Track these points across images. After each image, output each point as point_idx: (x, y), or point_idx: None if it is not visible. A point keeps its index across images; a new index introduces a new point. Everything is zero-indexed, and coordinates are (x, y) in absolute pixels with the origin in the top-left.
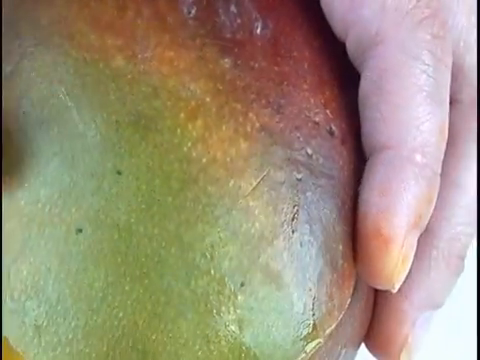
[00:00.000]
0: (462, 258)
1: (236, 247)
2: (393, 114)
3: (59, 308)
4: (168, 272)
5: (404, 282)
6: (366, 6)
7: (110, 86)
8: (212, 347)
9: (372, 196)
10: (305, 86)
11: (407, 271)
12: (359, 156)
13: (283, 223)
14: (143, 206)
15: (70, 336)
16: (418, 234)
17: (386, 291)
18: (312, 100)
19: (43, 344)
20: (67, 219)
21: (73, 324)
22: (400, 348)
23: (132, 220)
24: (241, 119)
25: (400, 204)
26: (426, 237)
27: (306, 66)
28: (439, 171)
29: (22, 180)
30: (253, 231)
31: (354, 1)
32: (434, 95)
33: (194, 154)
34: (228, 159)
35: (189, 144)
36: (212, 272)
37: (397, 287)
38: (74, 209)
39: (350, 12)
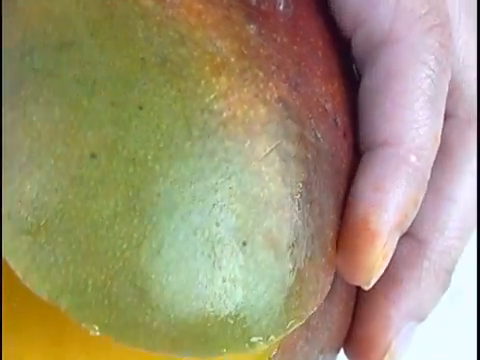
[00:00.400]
0: (450, 273)
1: (244, 206)
2: (396, 113)
3: (61, 228)
4: (178, 216)
5: (393, 288)
6: (381, 4)
7: (138, 23)
8: (206, 300)
9: (366, 190)
10: (318, 72)
11: (383, 270)
12: (354, 152)
13: (288, 196)
14: (161, 145)
15: (68, 258)
16: (399, 235)
17: (371, 296)
18: (323, 88)
19: (37, 261)
20: (81, 142)
21: (74, 247)
22: (383, 353)
23: (149, 157)
24: (262, 86)
25: (391, 202)
26: (419, 247)
27: (320, 54)
28: (428, 177)
29: (36, 95)
30: (261, 195)
31: (372, 10)
32: (434, 102)
33: (216, 107)
34: (247, 120)
35: (212, 96)
36: (219, 225)
37: (372, 283)
38: (90, 133)
39: (363, 9)
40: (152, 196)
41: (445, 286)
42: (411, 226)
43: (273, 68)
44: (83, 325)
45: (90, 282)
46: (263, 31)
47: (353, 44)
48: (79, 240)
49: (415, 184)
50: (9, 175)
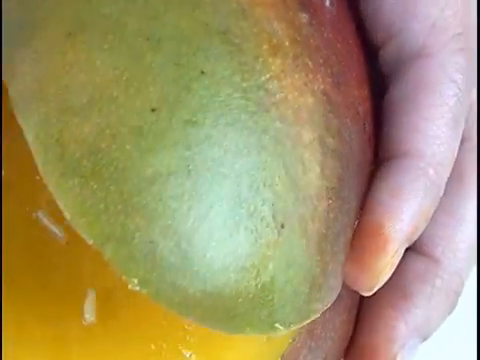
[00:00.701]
0: (458, 296)
1: (286, 190)
2: (421, 126)
3: (115, 177)
4: (228, 185)
5: (403, 301)
6: (417, 20)
7: None
8: (243, 275)
9: (384, 195)
10: (354, 75)
11: (386, 279)
12: (374, 159)
13: (324, 188)
14: (219, 112)
15: (119, 207)
16: (405, 247)
17: (379, 306)
18: (356, 91)
19: (88, 205)
20: (144, 94)
21: (125, 197)
22: None
23: (207, 121)
24: (311, 76)
25: (407, 211)
26: (432, 265)
27: (355, 57)
28: (441, 194)
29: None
30: (302, 183)
31: (406, 12)
32: (457, 120)
33: (270, 86)
34: (296, 105)
35: (267, 76)
36: (264, 204)
37: (374, 290)
38: (152, 88)
39: (399, 20)
40: (207, 160)
41: (452, 308)
42: (424, 244)
43: (321, 61)
44: (124, 277)
45: (137, 235)
46: (313, 22)
47: (382, 53)
48: (131, 192)
49: (430, 197)
50: (67, 115)
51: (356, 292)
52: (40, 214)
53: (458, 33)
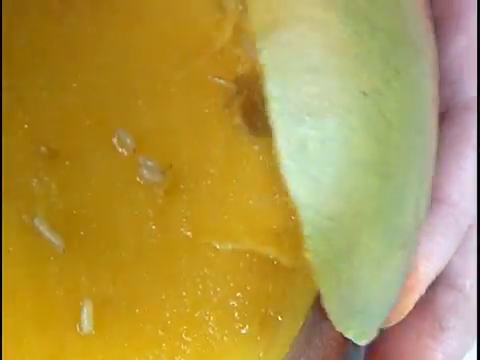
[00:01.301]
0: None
1: (415, 215)
2: (458, 175)
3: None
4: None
5: (441, 333)
6: (470, 81)
7: None
8: (372, 280)
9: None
10: None
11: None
12: None
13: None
14: (410, 118)
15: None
16: None
17: (416, 340)
18: None
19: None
20: (359, 75)
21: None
22: None
23: (400, 125)
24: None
25: (438, 253)
26: (465, 300)
27: None
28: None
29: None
30: (420, 212)
31: (463, 69)
32: None
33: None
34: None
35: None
36: (408, 222)
37: (392, 324)
38: (365, 72)
39: (456, 72)
40: (400, 166)
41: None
42: (452, 278)
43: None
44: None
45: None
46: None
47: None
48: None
49: (455, 244)
50: (300, 68)
51: None
52: (36, 221)
53: None
